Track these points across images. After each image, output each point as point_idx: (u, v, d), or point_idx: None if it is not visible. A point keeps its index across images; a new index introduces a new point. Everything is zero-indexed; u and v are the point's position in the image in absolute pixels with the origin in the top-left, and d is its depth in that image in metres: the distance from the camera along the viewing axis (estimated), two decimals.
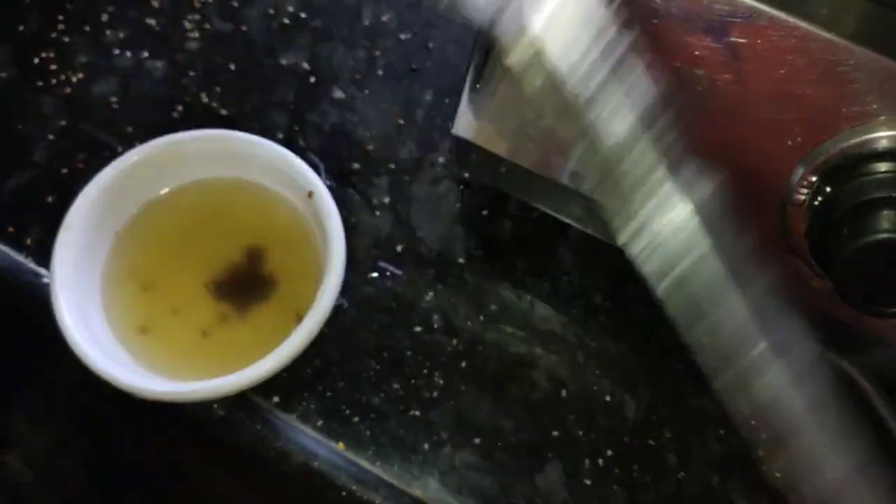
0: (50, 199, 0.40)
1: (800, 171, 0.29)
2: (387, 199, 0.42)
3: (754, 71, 0.28)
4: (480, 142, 0.34)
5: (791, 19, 0.26)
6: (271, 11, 0.46)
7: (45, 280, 0.38)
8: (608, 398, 0.39)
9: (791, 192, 0.29)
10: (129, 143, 0.42)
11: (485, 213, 0.42)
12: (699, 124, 0.29)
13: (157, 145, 0.36)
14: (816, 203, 0.28)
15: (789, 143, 0.29)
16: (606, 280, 0.41)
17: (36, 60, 0.44)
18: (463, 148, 0.35)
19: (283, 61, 0.45)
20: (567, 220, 0.37)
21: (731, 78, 0.28)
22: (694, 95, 0.29)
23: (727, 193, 0.31)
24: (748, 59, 0.28)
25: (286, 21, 0.46)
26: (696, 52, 0.28)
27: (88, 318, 0.35)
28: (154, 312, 0.37)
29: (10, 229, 0.40)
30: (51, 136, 0.42)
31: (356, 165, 0.42)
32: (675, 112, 0.29)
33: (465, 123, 0.34)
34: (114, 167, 0.36)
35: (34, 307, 0.38)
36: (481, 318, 0.40)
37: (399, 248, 0.41)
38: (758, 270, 0.32)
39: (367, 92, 0.44)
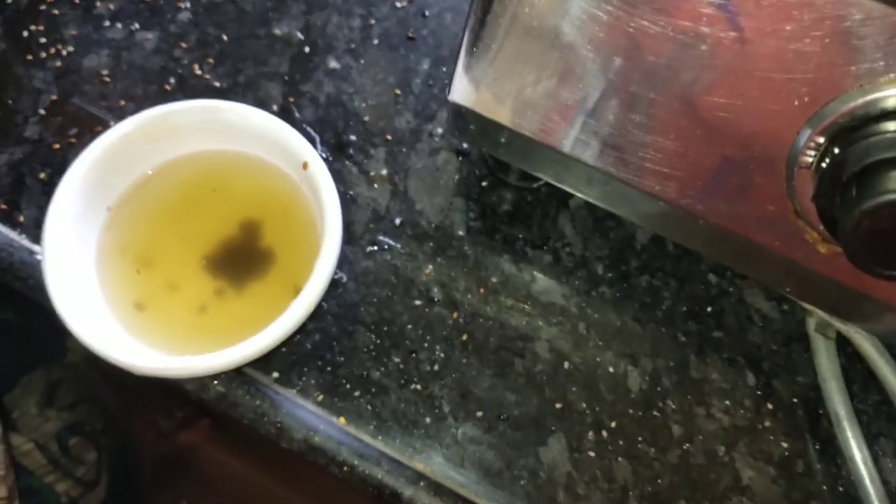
0: (42, 175, 0.40)
1: (806, 133, 0.28)
2: (384, 171, 0.41)
3: (759, 28, 0.27)
4: (478, 108, 0.34)
5: None
6: None
7: (39, 257, 0.38)
8: (611, 370, 0.38)
9: (798, 154, 0.28)
10: (122, 117, 0.41)
11: (484, 183, 0.41)
12: (703, 85, 0.29)
13: (148, 117, 0.36)
14: (824, 165, 0.28)
15: (796, 103, 0.28)
16: (608, 250, 0.40)
17: (25, 34, 0.43)
18: (460, 115, 0.35)
19: (277, 31, 0.44)
20: (568, 189, 0.36)
21: (736, 36, 0.27)
22: (699, 55, 0.28)
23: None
24: (753, 15, 0.27)
25: None
26: (701, 10, 0.27)
27: (83, 295, 0.35)
28: (150, 289, 0.36)
29: (3, 206, 0.39)
30: (42, 111, 0.41)
31: (353, 137, 0.42)
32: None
33: (461, 90, 0.33)
34: (102, 141, 0.35)
35: (31, 286, 0.37)
36: (482, 290, 0.39)
37: (398, 221, 0.40)
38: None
39: (362, 62, 0.43)
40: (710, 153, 0.30)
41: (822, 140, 0.27)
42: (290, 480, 0.86)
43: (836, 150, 0.27)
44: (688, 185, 0.32)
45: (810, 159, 0.28)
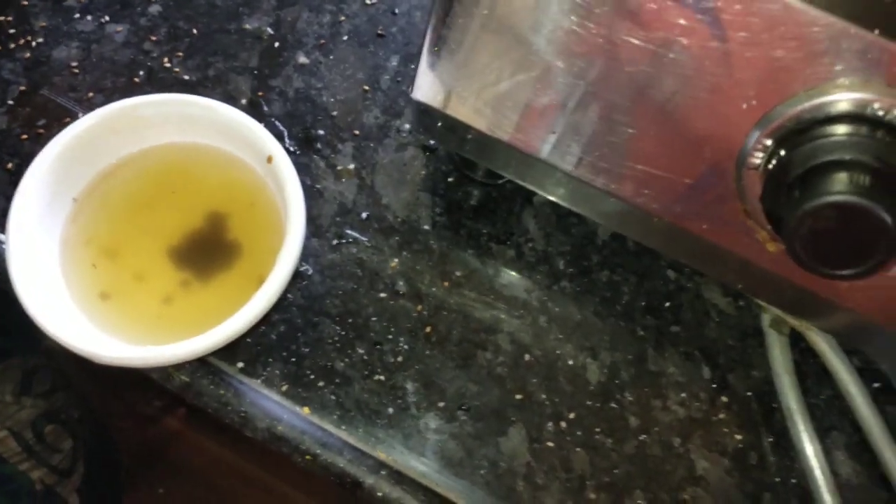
0: (10, 165, 0.40)
1: (755, 135, 0.29)
2: (352, 166, 0.42)
3: (710, 33, 0.27)
4: (439, 106, 0.34)
5: None
6: None
7: (5, 247, 0.38)
8: (571, 362, 0.39)
9: (747, 155, 0.29)
10: (91, 109, 0.41)
11: (450, 179, 0.42)
12: (656, 87, 0.29)
13: (114, 109, 0.36)
14: (771, 167, 0.29)
15: (744, 106, 0.29)
16: (570, 246, 0.41)
17: None
18: (423, 113, 0.35)
19: (248, 26, 0.44)
20: (530, 187, 0.37)
21: (687, 40, 0.28)
22: (651, 58, 0.29)
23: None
24: (704, 21, 0.27)
25: None
26: (653, 16, 0.28)
27: (48, 285, 0.35)
28: (115, 279, 0.36)
29: None
30: (10, 101, 0.41)
31: (321, 132, 0.42)
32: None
33: (424, 88, 0.34)
34: (69, 132, 0.35)
35: None
36: (446, 283, 0.40)
37: (364, 215, 0.41)
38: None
39: (331, 57, 0.44)
40: (663, 153, 0.31)
41: (769, 142, 0.28)
42: (268, 465, 0.87)
43: (783, 153, 0.28)
44: (642, 184, 0.32)
45: (758, 161, 0.29)
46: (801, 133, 0.28)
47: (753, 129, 0.29)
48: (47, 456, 0.59)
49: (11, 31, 0.43)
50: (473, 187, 0.42)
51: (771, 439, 0.39)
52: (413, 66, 0.44)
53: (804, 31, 0.26)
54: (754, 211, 0.31)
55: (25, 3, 0.44)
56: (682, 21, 0.28)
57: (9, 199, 0.39)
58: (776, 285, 0.34)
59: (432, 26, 0.32)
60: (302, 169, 0.36)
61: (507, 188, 0.42)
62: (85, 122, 0.35)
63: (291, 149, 0.41)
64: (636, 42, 0.29)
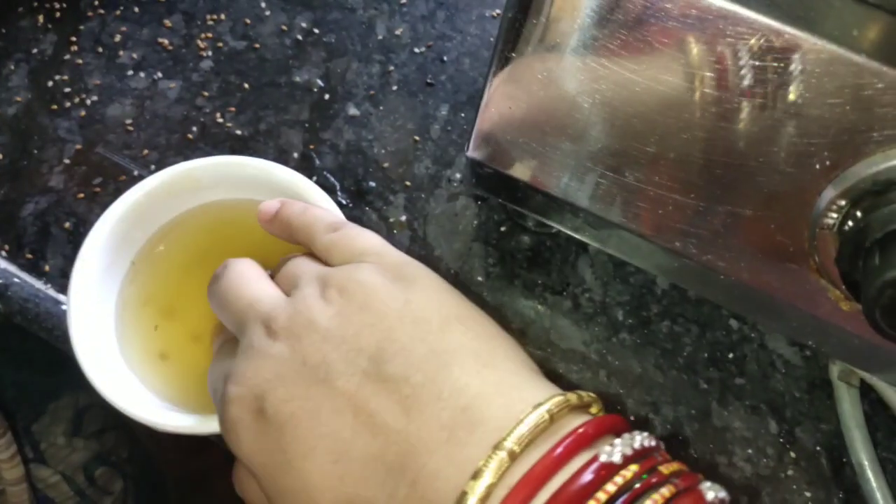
0: (67, 225, 0.40)
1: (829, 195, 0.28)
2: (404, 218, 0.41)
3: (781, 94, 0.27)
4: (495, 164, 0.34)
5: (818, 41, 0.25)
6: (284, 27, 0.46)
7: (65, 307, 0.38)
8: (632, 418, 0.38)
9: (820, 215, 0.28)
10: (146, 166, 0.42)
11: (503, 228, 0.42)
12: (724, 146, 0.29)
13: (172, 174, 0.36)
14: (846, 228, 0.27)
15: (817, 166, 0.28)
16: (629, 296, 0.40)
17: (50, 83, 0.44)
18: (478, 169, 0.35)
19: (297, 78, 0.44)
20: (586, 241, 0.36)
21: (759, 101, 0.27)
22: (720, 118, 0.28)
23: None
24: (775, 81, 0.27)
25: (299, 37, 0.46)
26: (722, 74, 0.27)
27: (104, 349, 0.35)
28: (173, 339, 0.36)
29: (29, 256, 0.40)
30: (67, 161, 0.42)
31: (372, 183, 0.42)
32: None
33: (480, 147, 0.33)
34: (128, 197, 0.36)
35: (56, 337, 0.38)
36: None
37: None
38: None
39: (381, 108, 0.44)
40: (732, 212, 0.30)
41: (843, 203, 0.27)
42: None
43: (859, 214, 0.27)
44: (709, 242, 0.32)
45: (832, 221, 0.28)
46: (878, 195, 0.27)
47: (827, 189, 0.28)
48: (98, 499, 0.59)
49: (67, 89, 0.43)
50: (527, 236, 0.41)
51: (842, 496, 0.37)
52: (464, 115, 0.44)
53: (880, 91, 0.25)
54: (827, 270, 0.29)
55: (80, 61, 0.44)
56: (751, 81, 0.27)
57: (66, 257, 0.40)
58: (849, 341, 0.33)
59: (489, 86, 0.31)
60: (355, 222, 0.36)
61: (561, 237, 0.41)
62: (144, 188, 0.36)
63: (344, 202, 0.41)
64: (704, 101, 0.28)
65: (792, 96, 0.27)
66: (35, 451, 0.57)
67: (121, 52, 0.44)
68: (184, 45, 0.45)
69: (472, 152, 0.34)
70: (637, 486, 0.21)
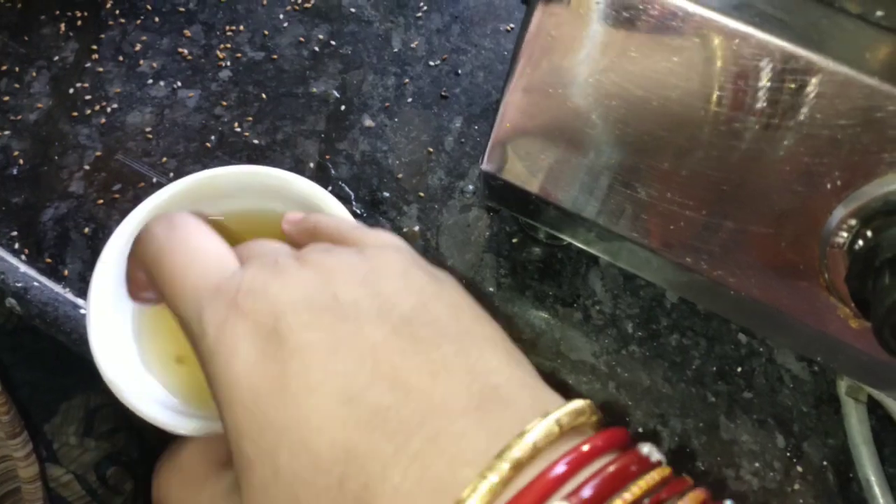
0: (86, 230, 0.41)
1: (839, 214, 0.28)
2: (417, 228, 0.42)
3: (794, 114, 0.27)
4: (510, 178, 0.34)
5: (831, 63, 0.26)
6: (301, 39, 0.46)
7: (84, 311, 0.39)
8: (640, 430, 0.38)
9: (830, 233, 0.29)
10: (164, 174, 0.42)
11: (515, 240, 0.42)
12: (735, 164, 0.29)
13: (193, 181, 0.37)
14: (857, 247, 0.28)
15: (829, 185, 0.28)
16: (638, 309, 0.41)
17: (71, 90, 0.44)
18: (491, 182, 0.35)
19: (315, 89, 0.45)
20: (598, 254, 0.36)
21: (771, 121, 0.28)
22: (731, 136, 0.28)
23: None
24: (787, 102, 0.27)
25: (316, 49, 0.46)
26: (736, 95, 0.27)
27: (123, 352, 0.36)
28: (188, 344, 0.37)
29: (48, 260, 0.40)
30: (87, 167, 0.42)
31: (386, 194, 0.43)
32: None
33: (494, 160, 0.34)
34: (148, 203, 0.36)
35: (75, 340, 0.39)
36: None
37: None
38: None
39: (396, 120, 0.44)
40: (743, 228, 0.31)
41: (854, 222, 0.28)
42: None
43: (869, 234, 0.27)
44: (719, 258, 0.32)
45: (843, 240, 0.28)
46: (888, 215, 0.27)
47: (838, 208, 0.28)
48: (109, 499, 0.60)
49: (87, 97, 0.44)
50: (538, 248, 0.42)
51: None
52: (478, 127, 0.44)
53: (892, 113, 0.26)
54: (837, 288, 0.30)
55: (101, 69, 0.45)
56: (764, 101, 0.27)
57: (84, 262, 0.40)
58: (857, 359, 0.33)
59: (505, 99, 0.32)
60: None
61: (572, 249, 0.42)
62: (167, 192, 0.36)
63: (358, 212, 0.42)
64: (715, 120, 0.28)
65: (804, 117, 0.27)
66: (48, 450, 0.57)
67: (141, 61, 0.45)
68: (203, 55, 0.46)
69: (486, 165, 0.34)
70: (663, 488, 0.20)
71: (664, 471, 0.20)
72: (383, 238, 0.29)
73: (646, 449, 0.20)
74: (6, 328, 0.52)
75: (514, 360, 0.24)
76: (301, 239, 0.33)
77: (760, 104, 0.27)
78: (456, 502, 0.18)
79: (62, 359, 0.59)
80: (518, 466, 0.19)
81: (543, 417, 0.20)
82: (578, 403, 0.22)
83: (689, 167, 0.29)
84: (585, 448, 0.20)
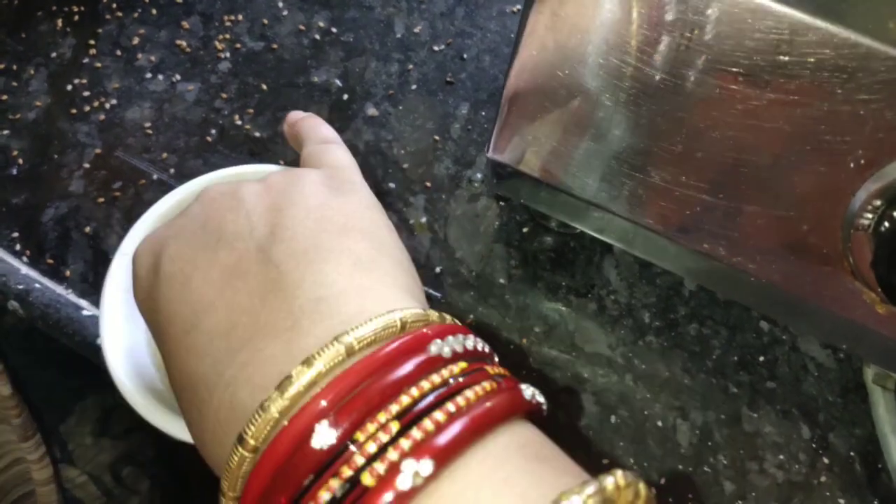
0: (88, 229, 0.40)
1: (863, 195, 0.27)
2: (424, 219, 0.41)
3: (814, 90, 0.26)
4: (517, 166, 0.33)
5: (854, 36, 0.24)
6: (302, 27, 0.45)
7: (86, 313, 0.38)
8: (659, 423, 0.37)
9: (854, 215, 0.27)
10: (165, 170, 0.41)
11: (525, 229, 0.41)
12: (755, 144, 0.28)
13: (201, 182, 0.35)
14: (882, 229, 0.26)
15: (852, 165, 0.27)
16: (655, 297, 0.39)
17: (69, 87, 0.43)
18: (499, 170, 0.34)
19: (316, 79, 0.44)
20: (612, 242, 0.35)
21: (790, 97, 0.26)
22: (750, 115, 0.27)
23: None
24: (807, 77, 0.26)
25: (317, 37, 0.45)
26: (753, 71, 0.26)
27: (136, 359, 0.35)
28: None
29: (50, 261, 0.40)
30: (86, 165, 0.42)
31: (392, 185, 0.41)
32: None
33: (501, 147, 0.33)
34: (172, 196, 0.35)
35: (78, 342, 0.38)
36: (524, 341, 0.38)
37: (438, 270, 0.40)
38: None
39: (401, 108, 0.43)
40: (762, 212, 0.29)
41: (879, 203, 0.26)
42: None
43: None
44: (738, 244, 0.31)
45: (867, 221, 0.27)
46: None
47: (862, 189, 0.27)
48: (125, 499, 0.59)
49: (86, 93, 0.43)
50: (549, 237, 0.41)
51: (876, 503, 0.36)
52: (485, 113, 0.43)
53: None
54: (862, 273, 0.28)
55: (99, 64, 0.44)
56: (783, 76, 0.26)
57: (86, 262, 0.40)
58: (884, 345, 0.32)
59: (510, 83, 0.31)
60: None
61: (585, 237, 0.40)
62: (176, 196, 0.35)
63: None
64: (733, 99, 0.27)
65: (825, 92, 0.26)
66: (63, 451, 0.57)
67: (139, 55, 0.44)
68: (201, 46, 0.45)
69: (493, 153, 0.33)
70: (461, 380, 0.19)
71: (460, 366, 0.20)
72: (323, 157, 0.29)
73: (447, 349, 0.20)
74: (18, 329, 0.52)
75: (365, 267, 0.23)
76: (291, 142, 0.34)
77: (779, 80, 0.26)
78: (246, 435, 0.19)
79: (76, 359, 0.59)
80: (296, 398, 0.19)
81: (363, 323, 0.20)
82: (413, 311, 0.21)
83: (706, 149, 0.28)
84: (390, 348, 0.20)
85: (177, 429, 0.33)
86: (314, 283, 0.22)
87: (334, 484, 0.18)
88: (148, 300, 0.25)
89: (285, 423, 0.19)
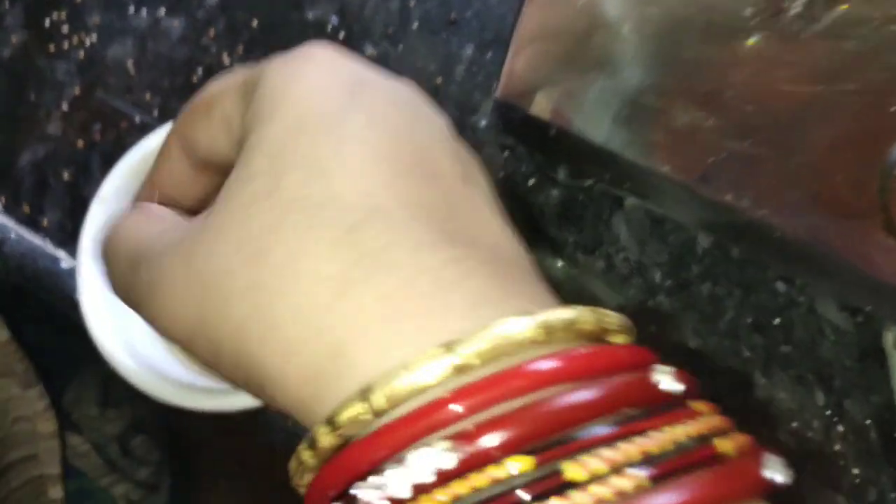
0: (66, 176, 0.38)
1: None
2: None
3: (852, 24, 0.23)
4: (527, 107, 0.31)
5: None
6: None
7: (64, 265, 0.36)
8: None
9: (892, 165, 0.25)
10: (148, 112, 0.39)
11: (531, 182, 0.38)
12: (785, 84, 0.25)
13: None
14: None
15: (892, 109, 0.24)
16: (667, 256, 0.37)
17: (47, 22, 0.41)
18: (508, 113, 0.32)
19: (310, 15, 0.41)
20: (625, 194, 0.33)
21: (827, 31, 0.24)
22: (784, 50, 0.24)
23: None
24: (844, 11, 0.23)
25: None
26: (788, 4, 0.24)
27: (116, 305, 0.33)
28: None
29: (26, 209, 0.37)
30: (65, 107, 0.39)
31: None
32: None
33: (509, 87, 0.30)
34: (154, 138, 0.33)
35: (56, 298, 0.36)
36: None
37: None
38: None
39: (401, 48, 0.41)
40: (793, 160, 0.27)
41: None
42: None
43: None
44: (764, 194, 0.28)
45: None
46: None
47: None
48: (133, 470, 0.57)
49: (64, 29, 0.41)
50: (557, 189, 0.38)
51: (892, 473, 0.35)
52: (491, 55, 0.40)
53: None
54: None
55: None
56: (820, 7, 0.23)
57: (65, 211, 0.37)
58: None
59: (523, 14, 0.28)
60: None
61: (594, 190, 0.38)
62: (158, 139, 0.33)
63: None
64: (767, 31, 0.24)
65: (864, 27, 0.23)
66: (67, 419, 0.54)
67: None
68: None
69: (501, 93, 0.31)
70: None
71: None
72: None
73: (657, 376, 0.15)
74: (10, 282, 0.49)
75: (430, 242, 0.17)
76: None
77: (816, 12, 0.24)
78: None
79: (76, 326, 0.56)
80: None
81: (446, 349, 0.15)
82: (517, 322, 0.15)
83: (733, 87, 0.26)
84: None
85: (168, 394, 0.31)
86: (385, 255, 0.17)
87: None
88: None
89: (428, 398, 0.15)
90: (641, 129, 0.29)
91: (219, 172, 0.22)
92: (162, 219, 0.21)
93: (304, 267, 0.16)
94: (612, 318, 0.17)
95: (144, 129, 0.38)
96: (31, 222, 0.37)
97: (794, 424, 0.35)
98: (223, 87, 0.21)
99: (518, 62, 0.29)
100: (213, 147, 0.21)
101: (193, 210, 0.23)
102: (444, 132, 0.22)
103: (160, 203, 0.23)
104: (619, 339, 0.17)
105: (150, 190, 0.23)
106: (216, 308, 0.17)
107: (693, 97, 0.26)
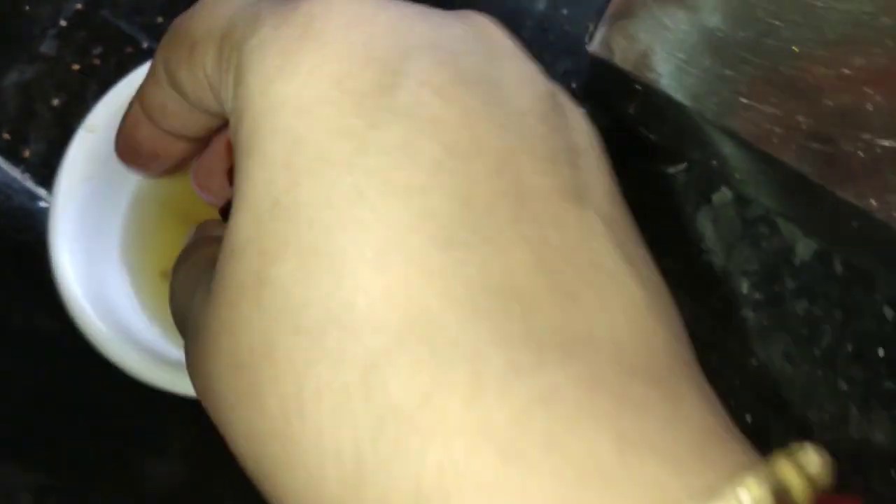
0: (56, 102, 0.32)
1: None
2: None
3: None
4: (626, 65, 0.25)
5: None
6: None
7: (43, 204, 0.30)
8: (748, 418, 0.30)
9: None
10: (157, 37, 0.33)
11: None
12: None
13: None
14: None
15: None
16: (758, 264, 0.32)
17: None
18: (599, 71, 0.26)
19: None
20: (721, 175, 0.27)
21: None
22: None
23: None
24: None
25: None
26: None
27: (99, 261, 0.27)
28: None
29: (6, 136, 0.32)
30: (63, 23, 0.33)
31: None
32: None
33: (608, 40, 0.24)
34: (134, 77, 0.27)
35: (27, 239, 0.30)
36: None
37: None
38: None
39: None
40: None
41: None
42: None
43: None
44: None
45: None
46: None
47: None
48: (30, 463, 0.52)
49: None
50: (635, 176, 0.33)
51: None
52: (568, 12, 0.34)
53: None
54: None
55: None
56: None
57: (50, 143, 0.32)
58: None
59: None
60: None
61: (678, 180, 0.33)
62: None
63: None
64: None
65: None
66: None
67: None
68: None
69: (596, 46, 0.25)
70: None
71: None
72: None
73: None
74: None
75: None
76: None
77: None
78: None
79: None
80: None
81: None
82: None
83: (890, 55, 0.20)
84: None
85: (154, 375, 0.25)
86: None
87: None
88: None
89: None
90: (766, 105, 0.23)
91: (218, 115, 0.17)
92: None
93: (305, 439, 0.12)
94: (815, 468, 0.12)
95: (150, 57, 0.32)
96: (11, 151, 0.31)
97: (892, 473, 0.30)
98: (203, 33, 0.16)
99: (621, 4, 0.24)
100: (202, 103, 0.17)
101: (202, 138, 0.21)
102: (537, 107, 0.14)
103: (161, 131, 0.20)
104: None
105: (136, 117, 0.20)
106: (225, 423, 0.14)
107: (837, 72, 0.21)
